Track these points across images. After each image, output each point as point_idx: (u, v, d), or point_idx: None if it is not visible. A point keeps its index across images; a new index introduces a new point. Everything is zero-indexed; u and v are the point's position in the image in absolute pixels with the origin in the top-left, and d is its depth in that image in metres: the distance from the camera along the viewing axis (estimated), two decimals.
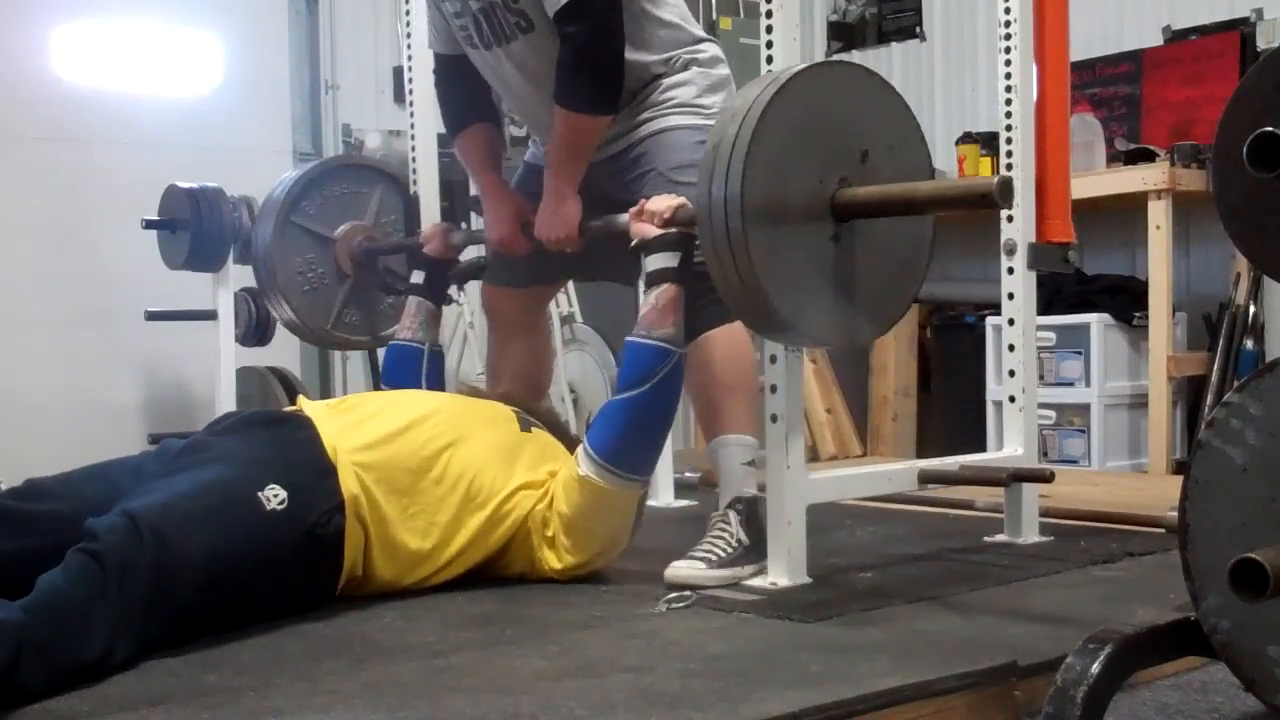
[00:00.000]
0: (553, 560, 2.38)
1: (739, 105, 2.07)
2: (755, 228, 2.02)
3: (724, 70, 2.75)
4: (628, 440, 2.33)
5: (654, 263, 2.38)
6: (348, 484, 2.17)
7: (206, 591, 1.96)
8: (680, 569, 2.40)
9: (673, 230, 2.37)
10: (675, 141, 2.65)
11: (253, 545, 2.03)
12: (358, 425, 2.29)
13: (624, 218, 2.50)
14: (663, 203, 2.41)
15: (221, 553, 1.98)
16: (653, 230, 2.39)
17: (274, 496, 2.07)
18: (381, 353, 3.30)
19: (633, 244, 2.44)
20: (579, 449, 2.37)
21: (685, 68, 2.70)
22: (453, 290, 3.16)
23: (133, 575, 1.85)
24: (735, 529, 2.45)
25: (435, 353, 2.93)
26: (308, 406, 2.38)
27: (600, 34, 2.55)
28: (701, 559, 2.41)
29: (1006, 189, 1.97)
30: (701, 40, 2.77)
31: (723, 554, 2.42)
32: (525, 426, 2.48)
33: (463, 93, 2.90)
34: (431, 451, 2.29)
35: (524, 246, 2.86)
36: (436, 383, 2.90)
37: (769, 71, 2.16)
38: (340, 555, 2.16)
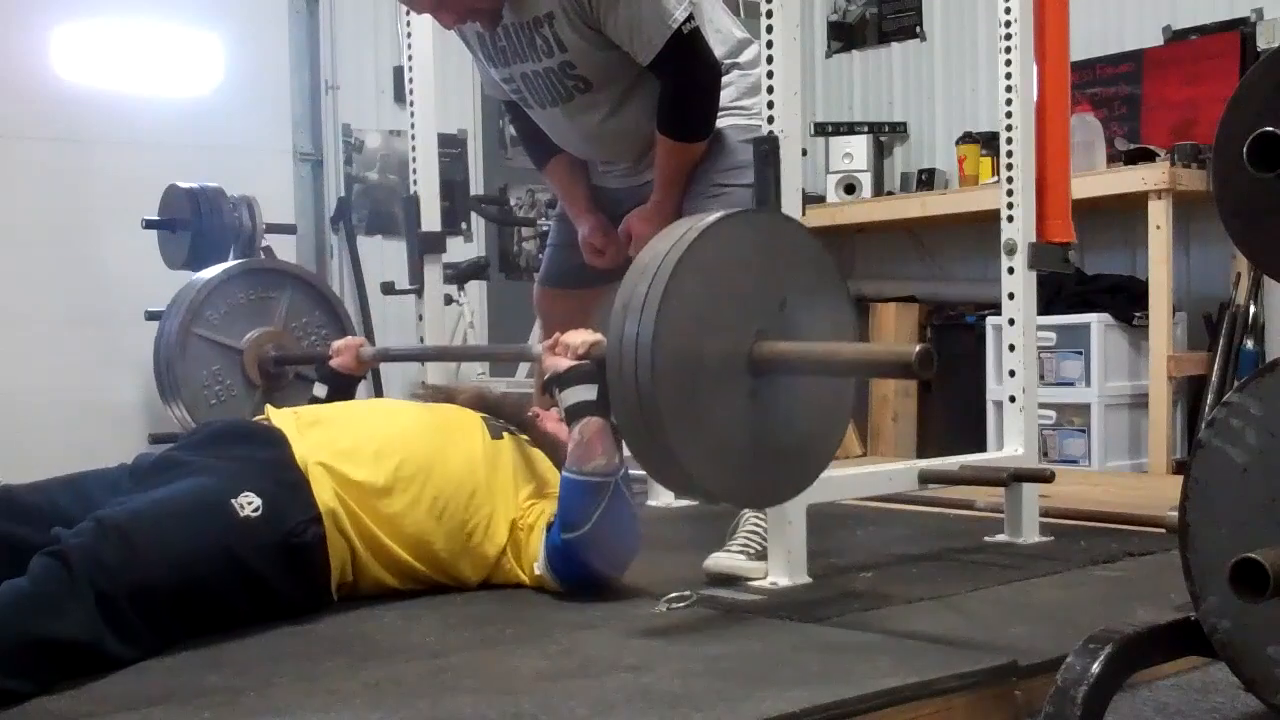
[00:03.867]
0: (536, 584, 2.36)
1: (651, 257, 1.93)
2: (666, 381, 1.87)
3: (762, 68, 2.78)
4: (583, 573, 2.27)
5: (570, 396, 2.29)
6: (323, 497, 2.15)
7: (186, 593, 1.94)
8: (721, 560, 2.42)
9: (586, 362, 2.30)
10: (723, 143, 2.75)
11: (226, 551, 2.00)
12: (329, 440, 2.25)
13: (537, 348, 2.49)
14: (578, 337, 2.35)
15: (194, 554, 1.96)
16: (565, 363, 2.32)
17: (248, 504, 2.05)
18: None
19: (545, 378, 2.36)
20: (539, 556, 2.29)
21: (726, 72, 2.76)
22: (452, 290, 3.16)
23: (101, 573, 1.82)
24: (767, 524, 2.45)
25: None
26: (276, 417, 2.35)
27: (700, 70, 2.67)
28: (740, 550, 2.43)
29: (926, 360, 1.83)
30: (744, 42, 2.81)
31: (759, 547, 2.43)
32: (495, 433, 2.43)
33: (537, 129, 2.96)
34: (407, 474, 2.25)
35: (614, 259, 2.93)
36: None
37: (683, 220, 2.05)
38: (324, 564, 2.15)
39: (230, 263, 3.29)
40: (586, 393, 2.28)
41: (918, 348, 1.85)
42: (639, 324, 1.88)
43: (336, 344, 2.95)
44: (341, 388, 2.89)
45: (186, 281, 3.30)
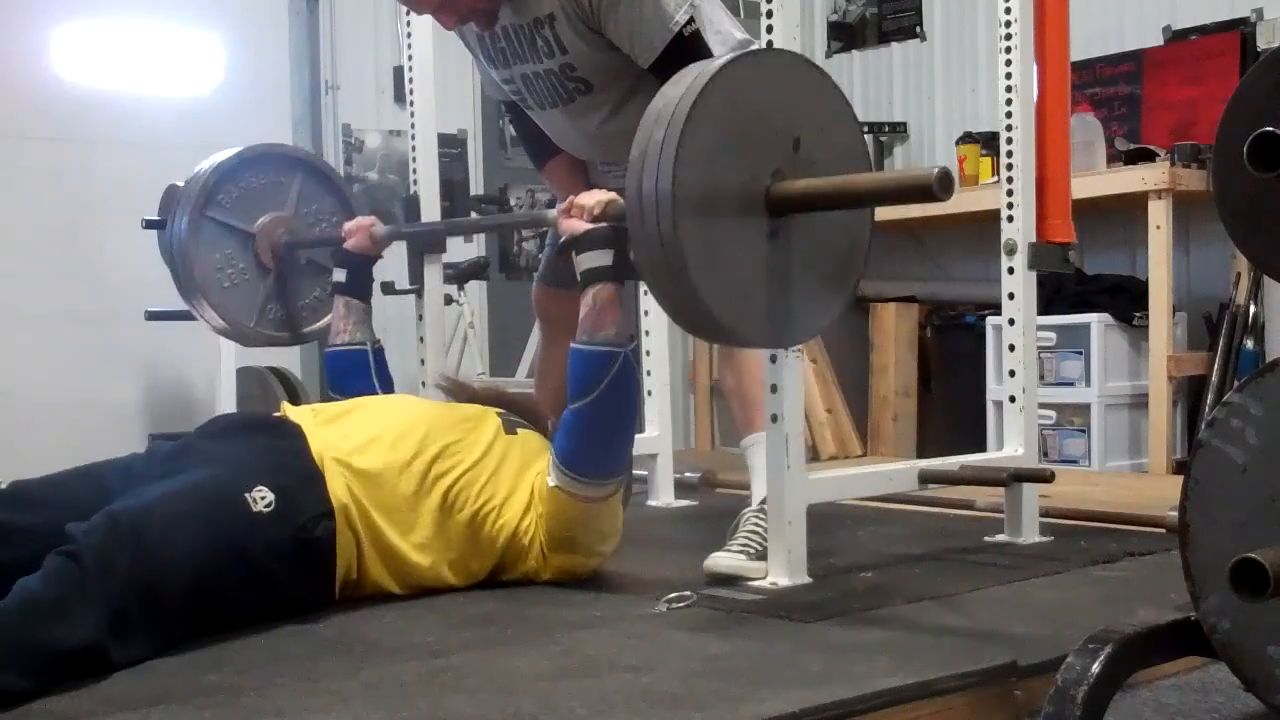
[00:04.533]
0: (543, 570, 2.36)
1: (665, 102, 1.98)
2: (687, 226, 1.93)
3: None
4: (589, 448, 2.29)
5: (586, 261, 2.30)
6: (336, 492, 2.16)
7: (195, 591, 1.94)
8: (721, 560, 2.42)
9: (603, 225, 2.31)
10: None
11: (239, 545, 2.01)
12: (344, 436, 2.27)
13: (552, 213, 2.48)
14: (592, 198, 2.36)
15: (206, 552, 1.96)
16: (582, 226, 2.32)
17: (261, 498, 2.06)
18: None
19: (562, 241, 2.37)
20: (549, 459, 2.34)
21: None
22: (452, 290, 3.16)
23: (113, 573, 1.82)
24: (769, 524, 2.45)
25: (378, 351, 2.87)
26: (293, 413, 2.36)
27: None
28: (741, 550, 2.43)
29: (946, 181, 1.88)
30: (744, 43, 2.80)
31: (760, 547, 2.43)
32: (510, 429, 2.44)
33: (536, 129, 2.96)
34: (420, 467, 2.27)
35: None
36: (387, 382, 2.85)
37: (692, 66, 2.08)
38: (332, 560, 2.15)
39: (239, 147, 3.24)
40: (603, 258, 2.29)
41: (936, 169, 1.90)
42: (656, 173, 1.92)
43: (348, 225, 2.93)
44: (358, 269, 2.88)
45: (196, 167, 3.23)
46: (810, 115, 2.11)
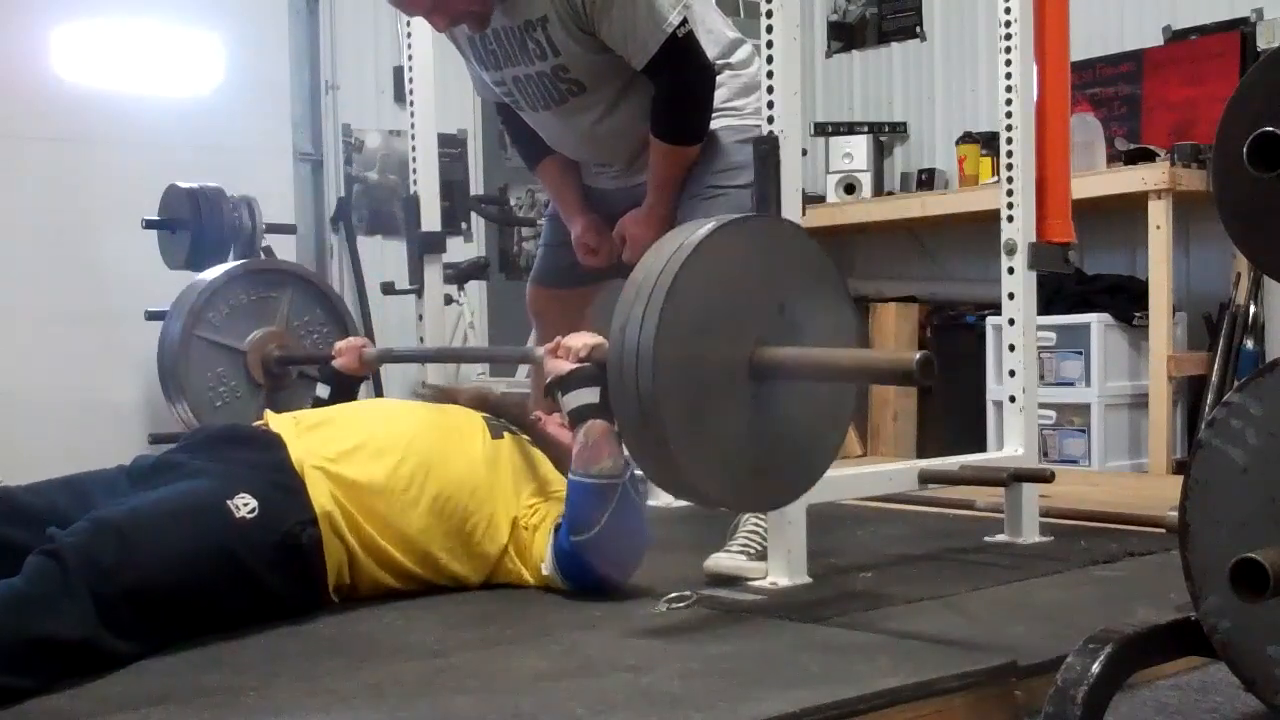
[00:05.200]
0: (539, 583, 2.34)
1: (644, 275, 1.94)
2: (668, 388, 1.88)
3: (755, 68, 2.77)
4: (593, 575, 2.26)
5: (573, 400, 2.29)
6: (319, 500, 2.15)
7: (184, 592, 1.94)
8: (721, 560, 2.42)
9: (588, 365, 2.30)
10: (717, 144, 2.75)
11: (223, 552, 2.00)
12: (326, 444, 2.26)
13: (538, 352, 2.48)
14: (579, 340, 2.35)
15: (191, 554, 1.96)
16: (567, 366, 2.32)
17: (244, 505, 2.05)
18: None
19: (547, 382, 2.36)
20: (547, 557, 2.28)
21: (718, 73, 2.75)
22: (452, 290, 3.16)
23: (97, 571, 1.82)
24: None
25: None
26: (274, 422, 2.35)
27: (694, 73, 2.66)
28: (741, 550, 2.43)
29: (927, 367, 1.84)
30: (736, 42, 2.81)
31: (760, 547, 2.43)
32: (496, 433, 2.43)
33: (529, 131, 2.96)
34: (406, 473, 2.25)
35: (608, 258, 2.95)
36: None
37: (680, 228, 2.05)
38: (320, 567, 2.15)
39: (231, 264, 3.27)
40: (590, 395, 2.28)
41: (918, 355, 1.85)
42: (639, 336, 1.88)
43: (339, 345, 2.94)
44: (344, 388, 2.88)
45: (188, 284, 3.28)
46: (797, 281, 2.07)
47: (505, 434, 2.44)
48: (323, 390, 2.89)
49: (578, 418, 2.28)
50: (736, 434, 1.98)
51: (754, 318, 1.99)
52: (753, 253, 2.03)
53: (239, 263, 3.26)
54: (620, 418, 1.98)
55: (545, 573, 2.29)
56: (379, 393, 2.80)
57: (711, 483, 1.98)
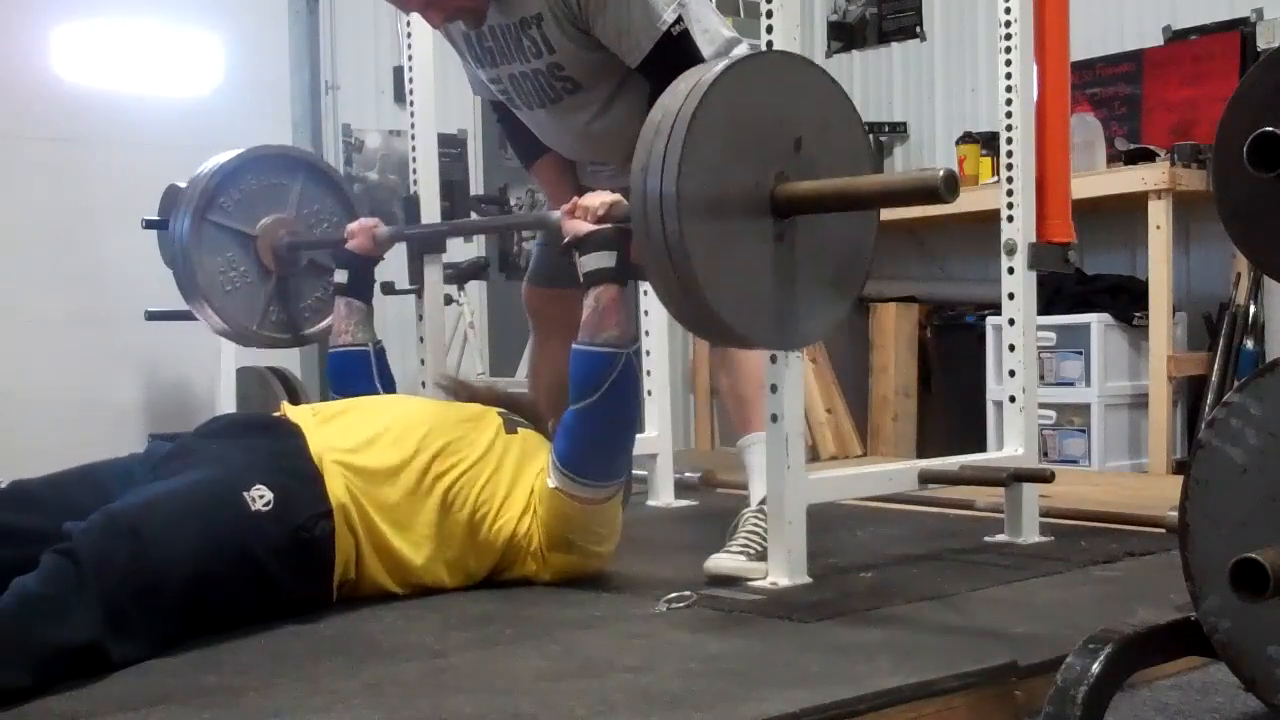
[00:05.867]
0: (542, 572, 2.36)
1: (664, 114, 1.99)
2: (693, 228, 1.93)
3: None
4: (590, 450, 2.29)
5: (590, 262, 2.30)
6: (335, 491, 2.16)
7: (193, 589, 1.94)
8: (721, 560, 2.42)
9: (607, 226, 2.30)
10: None
11: (237, 544, 2.01)
12: (343, 434, 2.27)
13: (555, 214, 2.48)
14: (596, 199, 2.35)
15: (204, 550, 1.96)
16: (585, 227, 2.32)
17: (259, 497, 2.06)
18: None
19: (565, 242, 2.37)
20: (549, 460, 2.33)
21: None
22: (452, 290, 3.15)
23: (110, 570, 1.82)
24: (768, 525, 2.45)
25: (379, 351, 2.87)
26: (292, 413, 2.36)
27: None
28: (741, 551, 2.43)
29: (951, 182, 1.89)
30: (732, 42, 2.80)
31: (760, 547, 2.43)
32: (511, 428, 2.44)
33: (524, 129, 2.96)
34: (420, 466, 2.26)
35: None
36: (388, 382, 2.86)
37: (694, 69, 2.09)
38: (331, 560, 2.15)
39: (240, 149, 3.22)
40: (606, 259, 2.29)
41: (942, 170, 1.91)
42: (661, 178, 1.93)
43: (351, 226, 2.93)
44: (360, 270, 2.89)
45: (197, 171, 3.21)
46: (811, 114, 2.11)
47: (520, 429, 2.45)
48: (340, 275, 2.89)
49: (593, 280, 2.29)
50: (761, 271, 2.03)
51: (773, 154, 2.04)
52: (767, 88, 2.07)
53: (250, 147, 3.21)
54: (647, 260, 2.01)
55: (551, 484, 2.29)
56: (384, 379, 2.80)
57: (739, 320, 2.03)
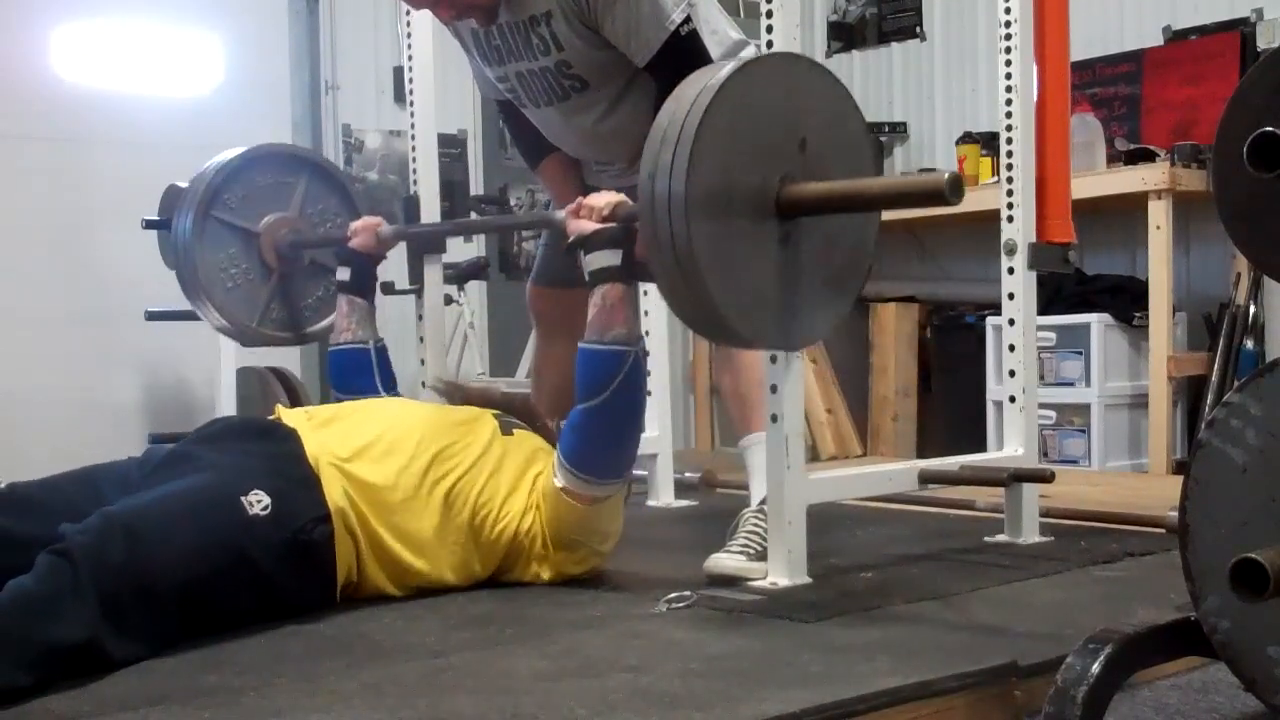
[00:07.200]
0: (545, 572, 2.36)
1: (677, 107, 2.00)
2: (700, 228, 1.94)
3: None
4: (597, 448, 2.29)
5: (595, 261, 2.30)
6: (333, 496, 2.16)
7: (191, 592, 1.94)
8: (723, 560, 2.42)
9: (612, 225, 2.31)
10: None
11: (233, 548, 2.01)
12: (340, 440, 2.26)
13: (560, 214, 2.49)
14: (602, 199, 2.36)
15: (202, 552, 1.96)
16: (591, 225, 2.32)
17: (257, 502, 2.05)
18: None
19: (569, 241, 2.37)
20: (554, 458, 2.33)
21: None
22: (452, 290, 3.15)
23: (106, 570, 1.82)
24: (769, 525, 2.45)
25: (380, 349, 2.87)
26: (287, 416, 2.35)
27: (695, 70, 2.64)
28: (741, 551, 2.43)
29: (956, 185, 1.91)
30: (740, 44, 2.81)
31: (760, 547, 2.43)
32: (507, 430, 2.44)
33: (530, 129, 2.96)
34: (418, 470, 2.26)
35: None
36: (389, 380, 2.85)
37: (700, 72, 2.10)
38: (331, 563, 2.15)
39: (245, 146, 3.23)
40: (611, 257, 2.29)
41: (947, 174, 1.92)
42: (670, 181, 1.94)
43: (354, 225, 2.93)
44: (362, 268, 2.88)
45: (203, 167, 3.22)
46: (815, 115, 2.12)
47: (516, 430, 2.45)
48: (342, 272, 2.89)
49: (599, 279, 2.29)
50: (767, 272, 2.04)
51: (778, 155, 2.05)
52: (773, 90, 2.08)
53: (253, 145, 3.21)
54: (654, 261, 2.01)
55: (558, 484, 2.29)
56: (385, 378, 2.79)
57: (744, 321, 2.04)
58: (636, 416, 2.34)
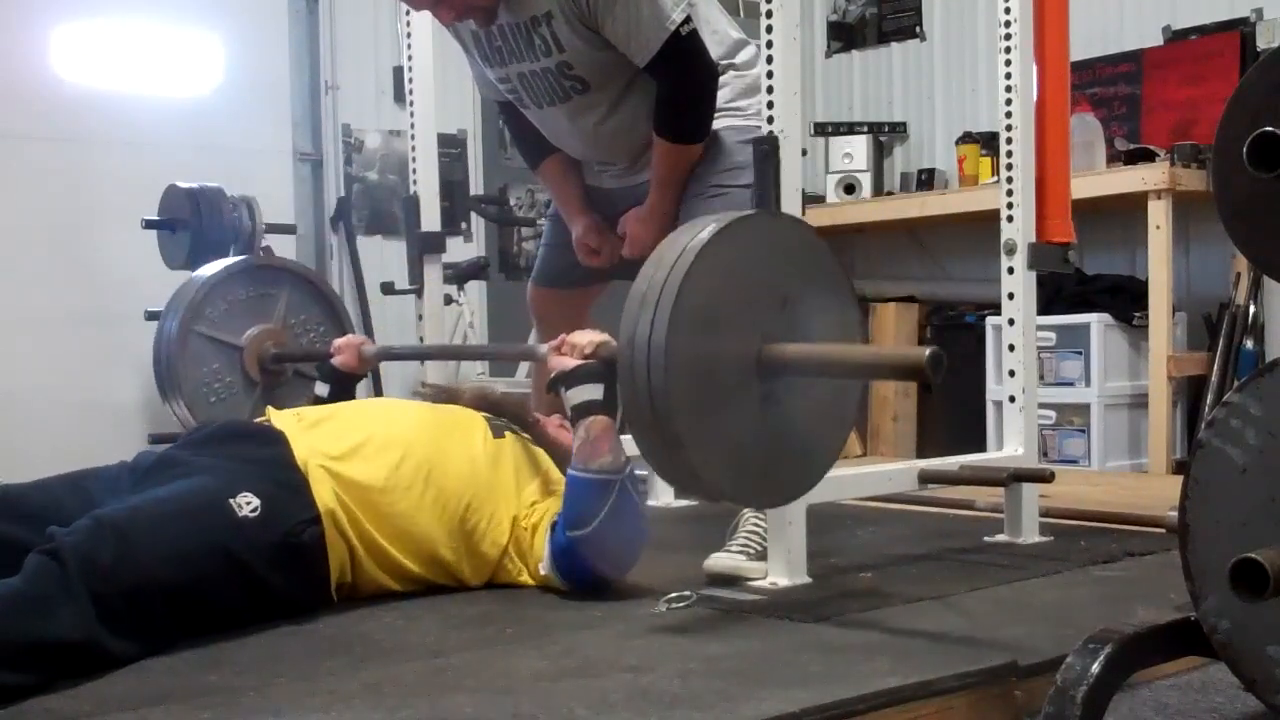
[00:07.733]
0: (532, 582, 2.34)
1: (659, 268, 1.94)
2: (680, 392, 1.88)
3: (759, 69, 2.77)
4: (589, 572, 2.26)
5: (577, 395, 2.29)
6: (322, 498, 2.15)
7: (183, 592, 1.94)
8: (721, 560, 2.42)
9: (592, 361, 2.30)
10: (720, 144, 2.76)
11: (223, 551, 2.00)
12: (329, 441, 2.25)
13: (543, 348, 2.49)
14: (584, 337, 2.36)
15: (192, 553, 1.95)
16: (572, 362, 2.32)
17: (246, 504, 2.05)
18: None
19: (552, 377, 2.36)
20: (544, 555, 2.28)
21: (722, 73, 2.76)
22: (452, 290, 3.15)
23: (96, 570, 1.81)
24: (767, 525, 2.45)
25: None
26: (277, 419, 2.35)
27: (697, 71, 2.67)
28: (740, 550, 2.43)
29: (937, 363, 1.84)
30: (740, 43, 2.81)
31: (760, 547, 2.43)
32: (497, 432, 2.43)
33: (531, 130, 2.96)
34: (408, 471, 2.25)
35: (609, 258, 2.96)
36: None
37: (690, 224, 2.05)
38: (324, 565, 2.15)
39: (229, 260, 3.27)
40: (593, 391, 2.28)
41: (928, 351, 1.86)
42: (650, 336, 1.88)
43: (338, 342, 2.94)
44: (343, 386, 2.89)
45: (186, 280, 3.29)
46: (797, 273, 2.06)
47: (507, 433, 2.45)
48: (321, 388, 2.89)
49: (580, 413, 2.28)
50: (745, 431, 1.98)
51: (760, 314, 2.00)
52: (756, 249, 2.03)
53: (237, 259, 3.25)
54: (631, 416, 1.98)
55: (543, 572, 2.29)
56: (378, 391, 2.80)
57: (722, 480, 1.99)
58: (630, 538, 2.28)
